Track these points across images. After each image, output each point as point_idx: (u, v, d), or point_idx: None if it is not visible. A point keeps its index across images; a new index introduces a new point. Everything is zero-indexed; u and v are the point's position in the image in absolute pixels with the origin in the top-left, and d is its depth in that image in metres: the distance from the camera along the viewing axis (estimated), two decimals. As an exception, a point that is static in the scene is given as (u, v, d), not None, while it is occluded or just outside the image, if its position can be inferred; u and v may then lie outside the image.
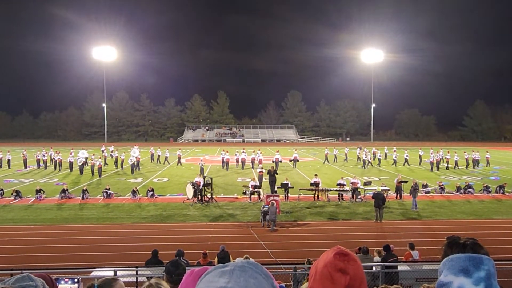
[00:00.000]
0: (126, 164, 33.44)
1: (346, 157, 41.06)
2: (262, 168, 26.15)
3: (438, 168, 33.37)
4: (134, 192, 21.48)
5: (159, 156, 38.39)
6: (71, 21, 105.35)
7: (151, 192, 21.56)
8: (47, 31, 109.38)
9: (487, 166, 35.62)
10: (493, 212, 18.73)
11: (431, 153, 35.27)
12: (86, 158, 32.00)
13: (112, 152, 37.98)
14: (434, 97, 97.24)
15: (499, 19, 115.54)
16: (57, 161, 32.96)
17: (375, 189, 20.29)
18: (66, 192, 21.45)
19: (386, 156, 41.54)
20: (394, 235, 14.94)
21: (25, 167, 33.83)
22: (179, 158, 36.80)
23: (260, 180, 24.37)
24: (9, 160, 34.11)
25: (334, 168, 34.89)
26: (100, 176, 28.96)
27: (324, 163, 37.91)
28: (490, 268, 1.25)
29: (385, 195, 18.21)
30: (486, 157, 36.61)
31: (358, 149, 41.10)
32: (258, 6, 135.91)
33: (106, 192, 21.48)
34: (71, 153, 33.64)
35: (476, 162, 35.35)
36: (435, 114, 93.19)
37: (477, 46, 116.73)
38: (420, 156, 37.15)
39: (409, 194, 19.64)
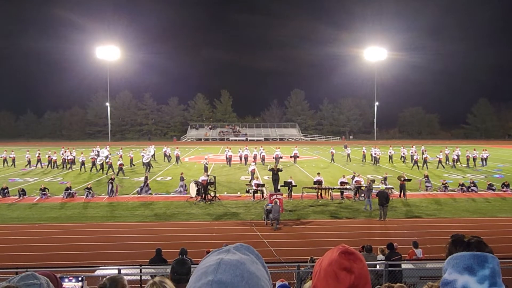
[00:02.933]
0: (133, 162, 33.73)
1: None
2: (255, 165, 28.35)
3: (424, 165, 32.84)
4: (145, 182, 22.63)
5: (169, 154, 38.50)
6: (74, 20, 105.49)
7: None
8: (50, 30, 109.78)
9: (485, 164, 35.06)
10: (497, 210, 18.66)
11: (414, 151, 34.97)
12: (106, 157, 32.32)
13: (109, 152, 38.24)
14: (438, 95, 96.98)
15: (503, 17, 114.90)
16: (67, 160, 33.32)
17: (379, 187, 20.23)
18: (70, 190, 21.64)
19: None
20: (397, 234, 14.92)
21: (33, 165, 34.19)
22: (177, 157, 36.82)
23: (252, 175, 26.12)
24: (29, 160, 34.52)
25: (338, 166, 34.84)
26: (123, 174, 29.27)
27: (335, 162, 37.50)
28: (494, 266, 1.25)
29: (388, 193, 18.18)
30: (485, 155, 35.87)
31: (344, 147, 40.48)
32: (261, 4, 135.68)
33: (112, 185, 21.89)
34: (73, 152, 33.85)
35: (484, 161, 35.06)
36: (438, 112, 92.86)
37: (480, 44, 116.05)
38: (446, 155, 35.80)
39: (362, 195, 19.17)
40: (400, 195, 21.08)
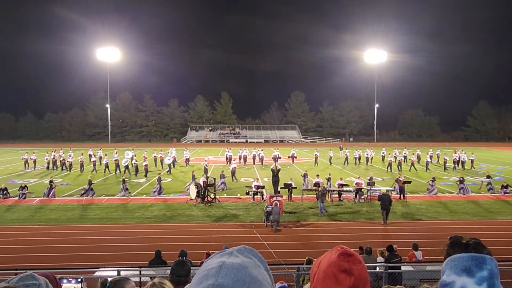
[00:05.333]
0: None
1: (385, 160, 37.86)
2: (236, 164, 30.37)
3: (398, 166, 33.15)
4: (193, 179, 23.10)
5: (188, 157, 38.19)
6: (75, 22, 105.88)
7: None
8: (51, 32, 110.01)
9: (471, 168, 34.49)
10: (497, 213, 18.63)
11: (398, 153, 35.54)
12: (131, 159, 32.36)
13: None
14: (438, 97, 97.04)
15: (503, 19, 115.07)
16: (81, 163, 33.12)
17: (381, 190, 20.17)
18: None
19: (438, 158, 38.11)
20: (397, 236, 14.90)
21: (48, 167, 34.21)
22: (174, 159, 36.36)
23: (233, 173, 27.89)
24: (48, 162, 34.26)
25: (337, 168, 34.82)
26: (146, 175, 29.42)
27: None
28: (493, 268, 1.24)
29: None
30: (471, 159, 35.29)
31: (339, 148, 40.24)
32: (261, 6, 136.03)
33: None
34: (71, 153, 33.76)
35: (464, 163, 34.85)
36: (438, 114, 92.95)
37: (480, 46, 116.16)
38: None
39: (316, 199, 18.88)
40: (400, 197, 21.06)
